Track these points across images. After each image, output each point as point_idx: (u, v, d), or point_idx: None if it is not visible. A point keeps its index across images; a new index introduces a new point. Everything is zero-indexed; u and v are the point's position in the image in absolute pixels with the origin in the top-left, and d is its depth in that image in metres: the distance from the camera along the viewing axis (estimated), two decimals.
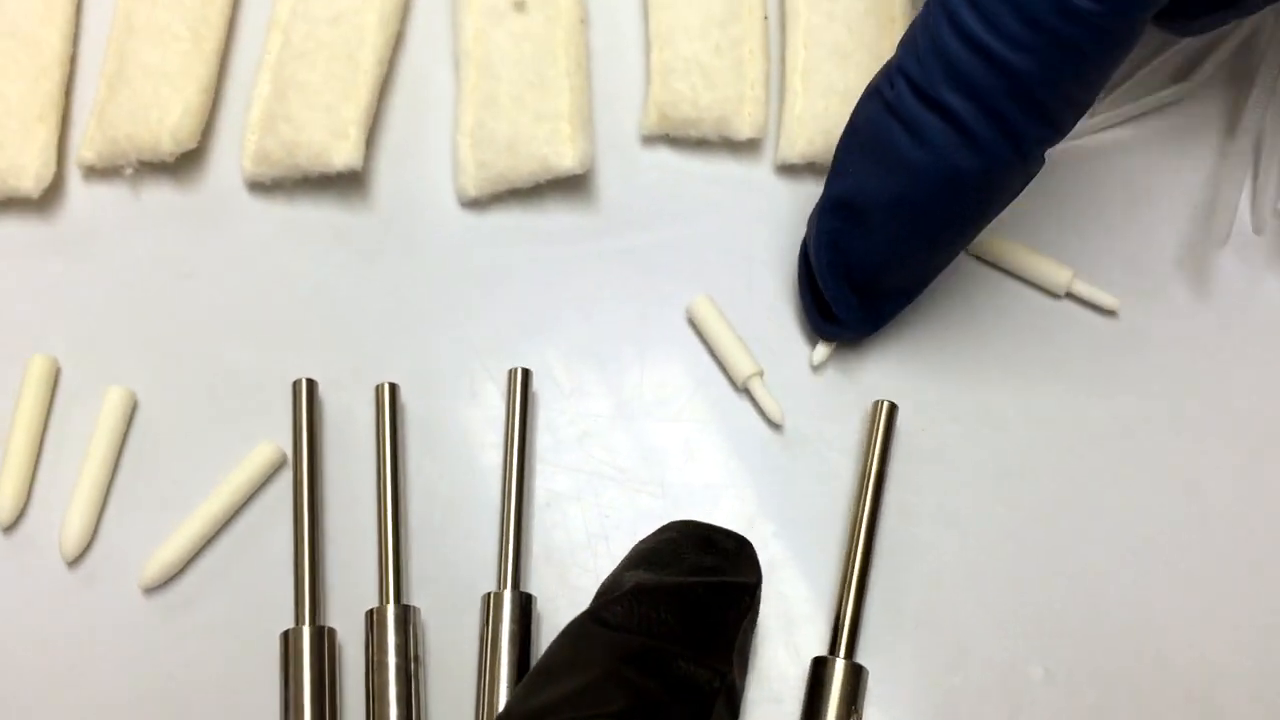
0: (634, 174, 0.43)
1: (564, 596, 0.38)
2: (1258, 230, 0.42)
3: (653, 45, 0.44)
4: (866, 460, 0.38)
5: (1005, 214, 0.41)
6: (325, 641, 0.36)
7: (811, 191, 0.38)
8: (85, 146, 0.43)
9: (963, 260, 0.41)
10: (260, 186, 0.43)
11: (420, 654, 0.36)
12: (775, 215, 0.43)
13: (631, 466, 0.39)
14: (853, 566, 0.37)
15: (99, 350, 0.41)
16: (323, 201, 0.43)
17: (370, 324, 0.41)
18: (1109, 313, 0.41)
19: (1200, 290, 0.41)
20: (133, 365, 0.40)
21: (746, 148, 0.44)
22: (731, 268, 0.42)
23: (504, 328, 0.41)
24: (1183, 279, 0.42)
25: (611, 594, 0.32)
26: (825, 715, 0.35)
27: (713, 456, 0.39)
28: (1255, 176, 0.42)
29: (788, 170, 0.43)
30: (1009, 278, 0.41)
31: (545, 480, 0.39)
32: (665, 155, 0.44)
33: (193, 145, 0.42)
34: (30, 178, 0.42)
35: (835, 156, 0.37)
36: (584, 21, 0.44)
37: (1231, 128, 0.43)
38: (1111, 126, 0.43)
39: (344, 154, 0.41)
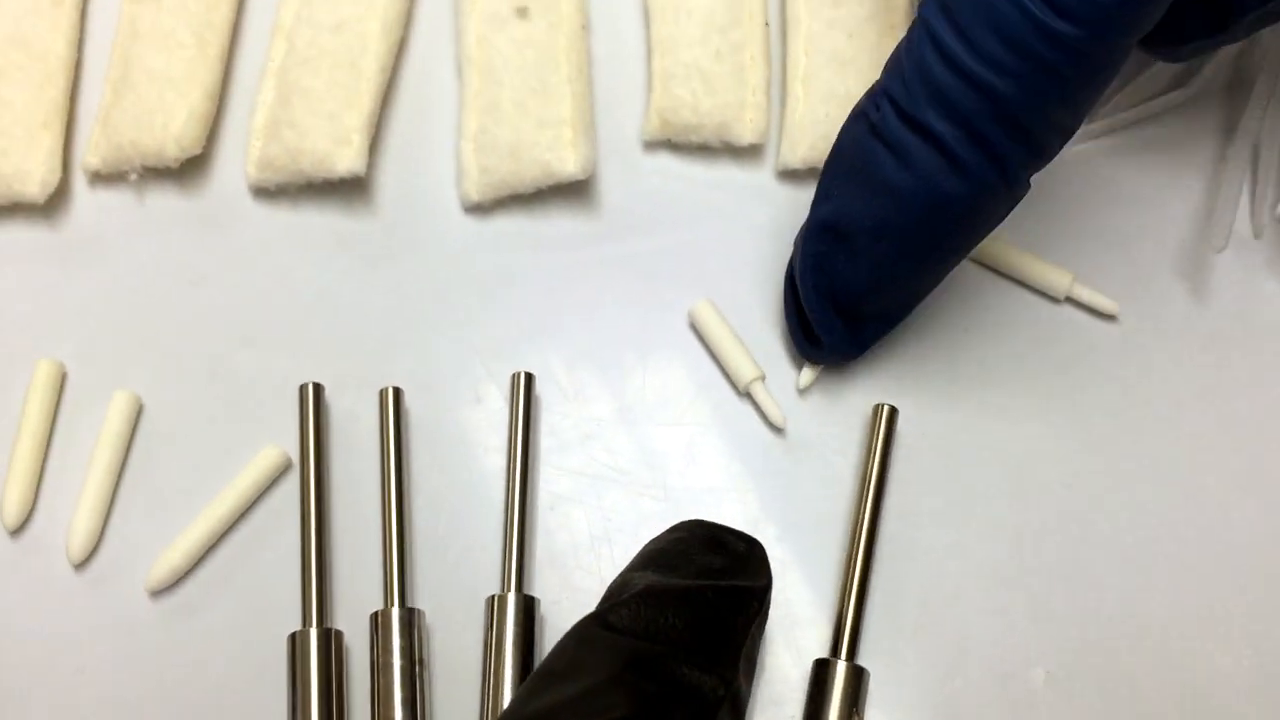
0: (636, 179, 0.44)
1: (567, 599, 0.38)
2: (1256, 234, 0.42)
3: (654, 51, 0.44)
4: (868, 464, 0.38)
5: (1007, 219, 0.41)
6: (332, 644, 0.36)
7: (812, 197, 0.38)
8: (90, 152, 0.43)
9: (963, 265, 0.41)
10: (265, 192, 0.43)
11: (425, 656, 0.36)
12: (777, 220, 0.43)
13: (634, 470, 0.40)
14: (854, 569, 0.37)
15: (105, 355, 0.41)
16: (327, 207, 0.43)
17: (374, 328, 0.41)
18: (1109, 317, 0.41)
19: (1199, 294, 0.42)
20: (138, 369, 0.41)
21: (748, 153, 0.44)
22: (733, 272, 0.42)
23: (507, 332, 0.41)
24: (1182, 283, 0.42)
25: (619, 596, 0.31)
26: (827, 717, 0.35)
27: (715, 460, 0.40)
28: (1253, 181, 0.42)
29: (789, 175, 0.43)
30: (1009, 282, 0.42)
31: (548, 483, 0.39)
32: (667, 161, 0.44)
33: (197, 151, 0.42)
34: (36, 184, 0.42)
35: (821, 179, 0.37)
36: (585, 28, 0.45)
37: (1230, 133, 0.43)
38: (1111, 132, 0.43)
39: (348, 160, 0.41)
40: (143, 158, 0.42)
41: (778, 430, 0.40)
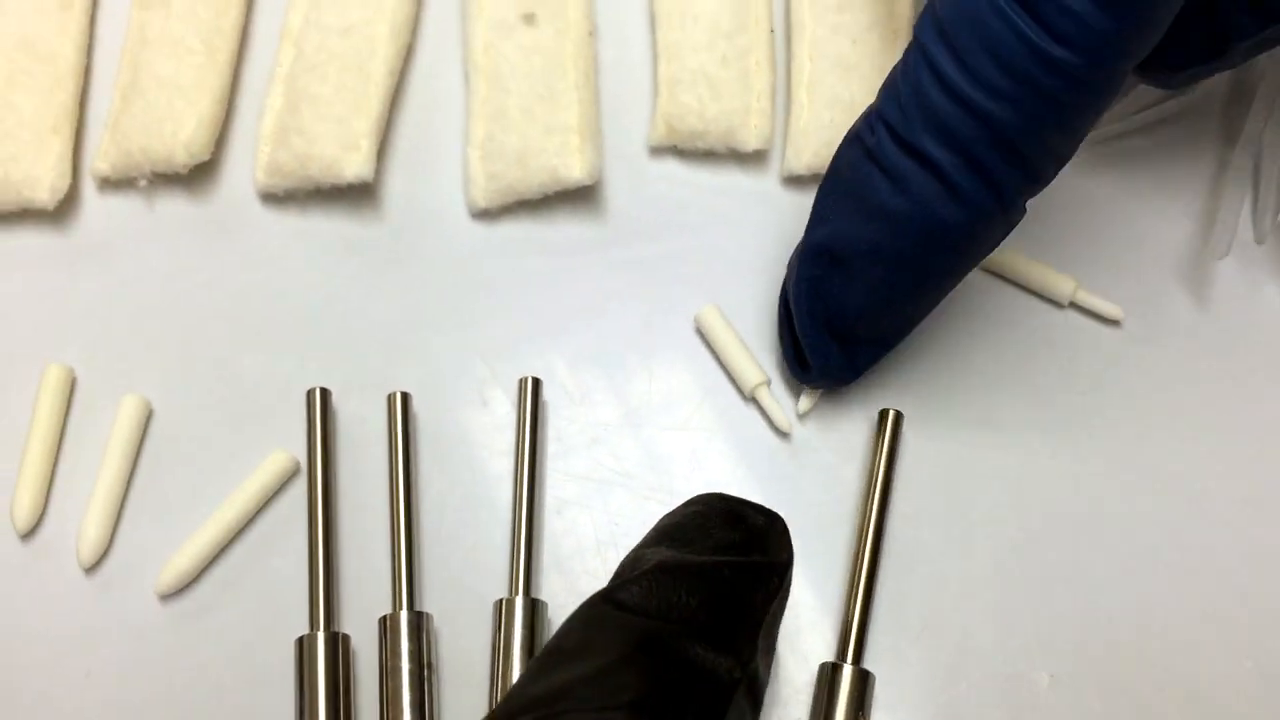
0: (642, 185, 0.44)
1: (573, 603, 0.38)
2: (1259, 240, 0.42)
3: (660, 58, 0.44)
4: (873, 468, 0.38)
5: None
6: (340, 647, 0.36)
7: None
8: (99, 158, 0.43)
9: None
10: (273, 197, 0.43)
11: (433, 660, 0.37)
12: (781, 226, 0.43)
13: (640, 474, 0.40)
14: (860, 573, 0.37)
15: (114, 359, 0.41)
16: (335, 212, 0.43)
17: (382, 333, 0.42)
18: (1113, 322, 0.41)
19: (1202, 299, 0.42)
20: (147, 374, 0.41)
21: (753, 159, 0.44)
22: (738, 278, 0.42)
23: (514, 336, 0.42)
24: (1185, 288, 0.42)
25: (630, 573, 0.30)
26: None
27: (720, 464, 0.40)
28: (1256, 187, 0.42)
29: (794, 181, 0.44)
30: (1014, 288, 0.42)
31: (554, 487, 0.40)
32: (673, 167, 0.44)
33: (206, 157, 0.43)
34: (45, 189, 0.42)
35: (815, 202, 0.37)
36: (592, 34, 0.45)
37: (1232, 139, 0.43)
38: (1114, 139, 0.44)
39: (355, 166, 0.42)
40: (152, 163, 0.42)
41: (783, 435, 0.40)
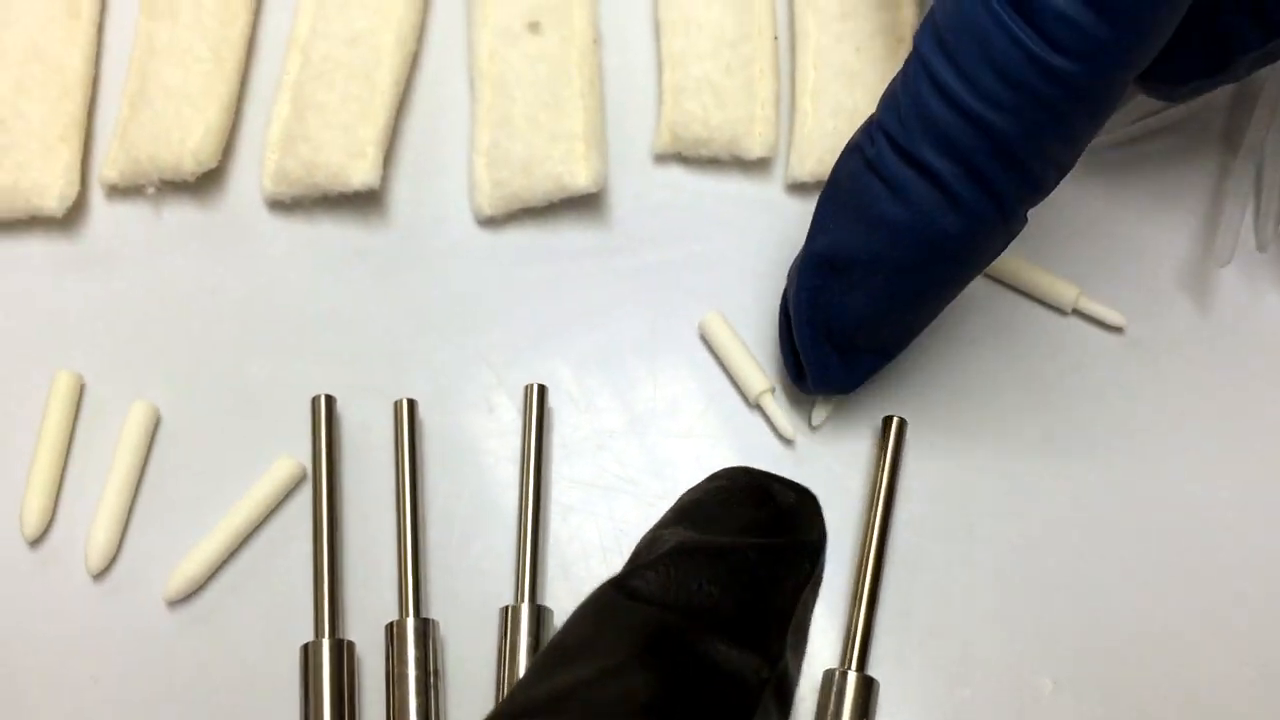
0: (646, 192, 0.44)
1: None
2: (1261, 248, 0.42)
3: (664, 66, 0.45)
4: (877, 475, 0.39)
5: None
6: (345, 654, 0.36)
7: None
8: (108, 166, 0.43)
9: None
10: (280, 205, 0.44)
11: (440, 666, 0.37)
12: (786, 233, 0.43)
13: (644, 480, 0.40)
14: (864, 580, 0.37)
15: (123, 366, 0.41)
16: (341, 219, 0.44)
17: (388, 340, 0.42)
18: (1115, 329, 0.41)
19: (1205, 306, 0.42)
20: (155, 381, 0.41)
21: (757, 166, 0.44)
22: (743, 285, 0.42)
23: (519, 343, 0.42)
24: (1188, 296, 0.42)
25: (645, 556, 0.27)
26: None
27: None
28: (1258, 195, 0.42)
29: (798, 189, 0.44)
30: (1017, 295, 0.42)
31: (560, 494, 0.40)
32: (677, 174, 0.44)
33: (214, 165, 0.43)
34: (54, 197, 0.42)
35: (816, 213, 0.37)
36: (597, 42, 0.45)
37: (1234, 147, 0.43)
38: (1116, 146, 0.44)
39: (362, 173, 0.42)
40: (160, 171, 0.43)
41: (788, 442, 0.40)
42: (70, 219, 0.43)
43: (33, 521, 0.39)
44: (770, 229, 0.43)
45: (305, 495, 0.40)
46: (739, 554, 0.27)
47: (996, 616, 0.38)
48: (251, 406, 0.41)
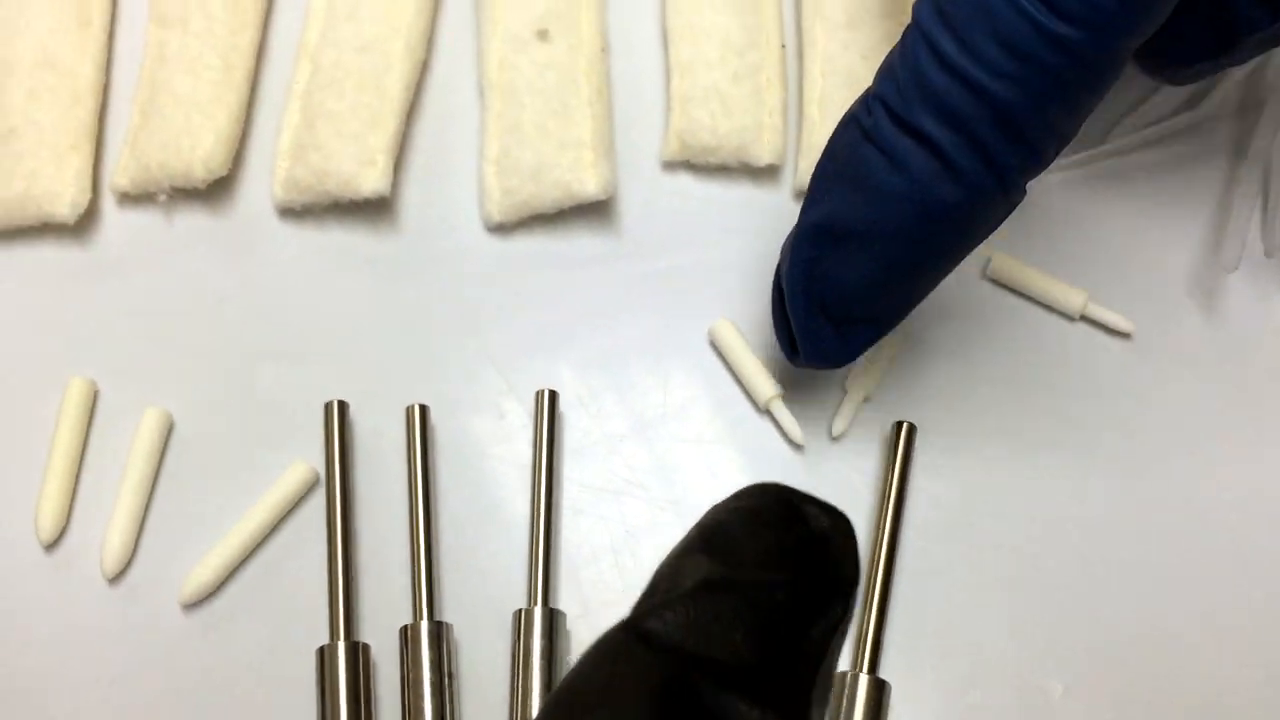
0: (655, 199, 0.44)
1: (589, 613, 0.38)
2: (1268, 254, 0.42)
3: (672, 74, 0.45)
4: (887, 479, 0.39)
5: (1020, 239, 0.42)
6: (360, 657, 0.36)
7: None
8: (119, 173, 0.44)
9: (979, 284, 0.42)
10: (290, 212, 0.44)
11: (454, 669, 0.37)
12: None
13: (654, 485, 0.40)
14: (874, 583, 0.37)
15: (135, 372, 0.41)
16: (352, 226, 0.44)
17: (398, 346, 0.42)
18: (1123, 335, 0.42)
19: (1212, 312, 0.42)
20: (168, 387, 0.41)
21: (765, 173, 0.44)
22: (751, 291, 0.43)
23: (529, 349, 0.42)
24: (1195, 302, 0.42)
25: (666, 592, 0.25)
26: None
27: (735, 476, 0.40)
28: (1265, 201, 0.43)
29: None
30: (1025, 301, 0.42)
31: (570, 498, 0.40)
32: (685, 181, 0.45)
33: (224, 172, 0.43)
34: (66, 204, 0.42)
35: (810, 185, 0.36)
36: (605, 51, 0.45)
37: (1241, 153, 0.44)
38: (1124, 153, 0.44)
39: (373, 181, 0.42)
40: (171, 179, 0.43)
41: (797, 447, 0.40)
42: (82, 226, 0.43)
43: (48, 526, 0.39)
44: (778, 236, 0.43)
45: (317, 500, 0.40)
46: (765, 594, 0.24)
47: (1006, 620, 0.38)
48: (263, 411, 0.41)
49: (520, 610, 0.37)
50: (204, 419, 0.41)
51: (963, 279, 0.42)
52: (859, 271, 0.35)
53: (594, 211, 0.44)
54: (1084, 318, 0.42)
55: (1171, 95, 0.44)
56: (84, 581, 0.39)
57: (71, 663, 0.38)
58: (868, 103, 0.34)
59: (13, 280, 0.43)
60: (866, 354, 0.40)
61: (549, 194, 0.42)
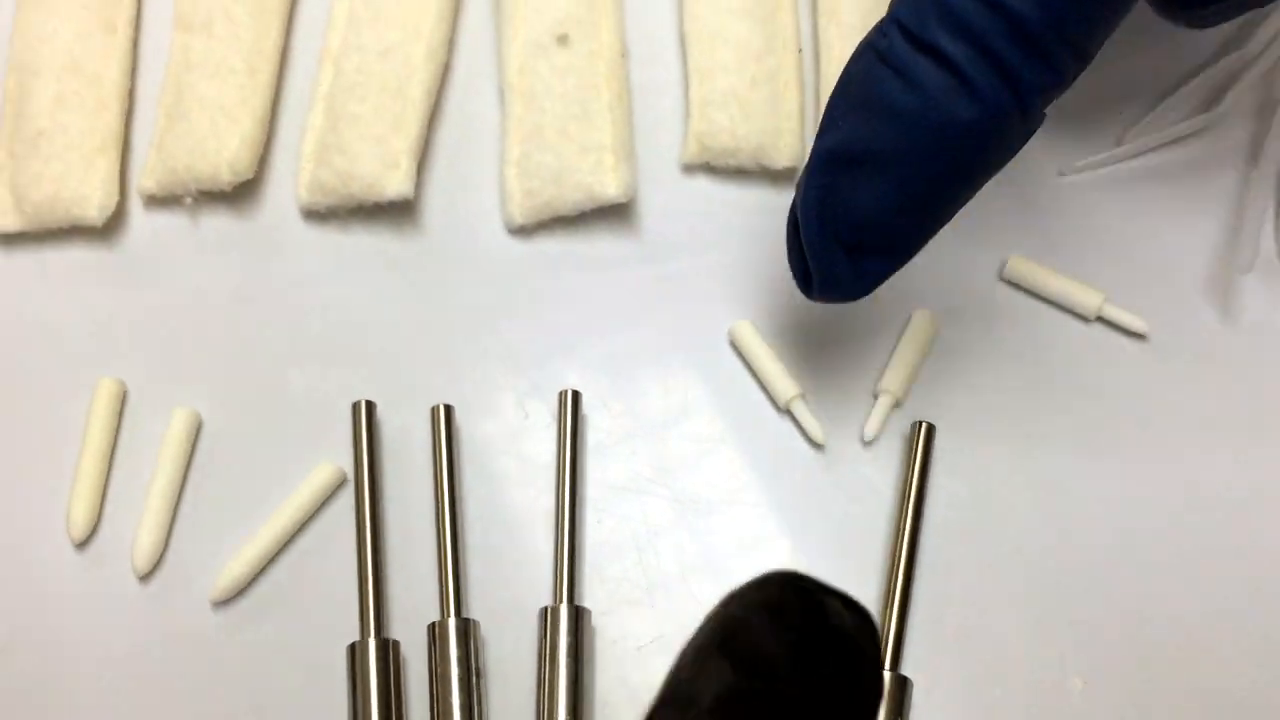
0: (674, 202, 0.45)
1: (613, 610, 0.39)
2: None
3: (691, 78, 0.45)
4: (907, 478, 0.39)
5: (1037, 240, 0.43)
6: (390, 653, 0.37)
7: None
8: (146, 176, 0.44)
9: (996, 286, 0.43)
10: (315, 214, 0.44)
11: (481, 666, 0.37)
12: None
13: (676, 485, 0.41)
14: (895, 581, 0.38)
15: (163, 372, 0.42)
16: (375, 229, 0.44)
17: (422, 346, 0.42)
18: (1138, 335, 0.42)
19: (1227, 313, 0.43)
20: (196, 387, 0.42)
21: (784, 176, 0.45)
22: (770, 292, 0.43)
23: (551, 349, 0.42)
24: (1210, 303, 0.43)
25: (685, 707, 0.23)
26: None
27: (756, 475, 0.41)
28: (1278, 204, 0.43)
29: None
30: (1041, 302, 0.43)
31: (593, 497, 0.40)
32: (704, 184, 0.45)
33: (249, 175, 0.43)
34: (94, 207, 0.43)
35: (825, 114, 0.35)
36: (624, 55, 0.46)
37: (1254, 156, 0.44)
38: (1138, 155, 0.44)
39: (396, 183, 0.42)
40: (197, 182, 0.43)
41: (818, 447, 0.41)
42: (110, 228, 0.44)
43: (79, 524, 0.39)
44: None
45: (344, 499, 0.40)
46: (790, 709, 0.23)
47: (1026, 617, 0.39)
48: (289, 411, 0.41)
49: (546, 607, 0.37)
50: (231, 419, 0.41)
51: (979, 281, 0.43)
52: (874, 197, 0.34)
53: (614, 214, 0.44)
54: (1100, 319, 0.42)
55: (1186, 98, 0.44)
56: (115, 579, 0.39)
57: (103, 659, 0.38)
58: (883, 28, 0.33)
59: (42, 282, 0.43)
60: (899, 355, 0.41)
61: (570, 196, 0.43)
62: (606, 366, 0.42)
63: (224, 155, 0.43)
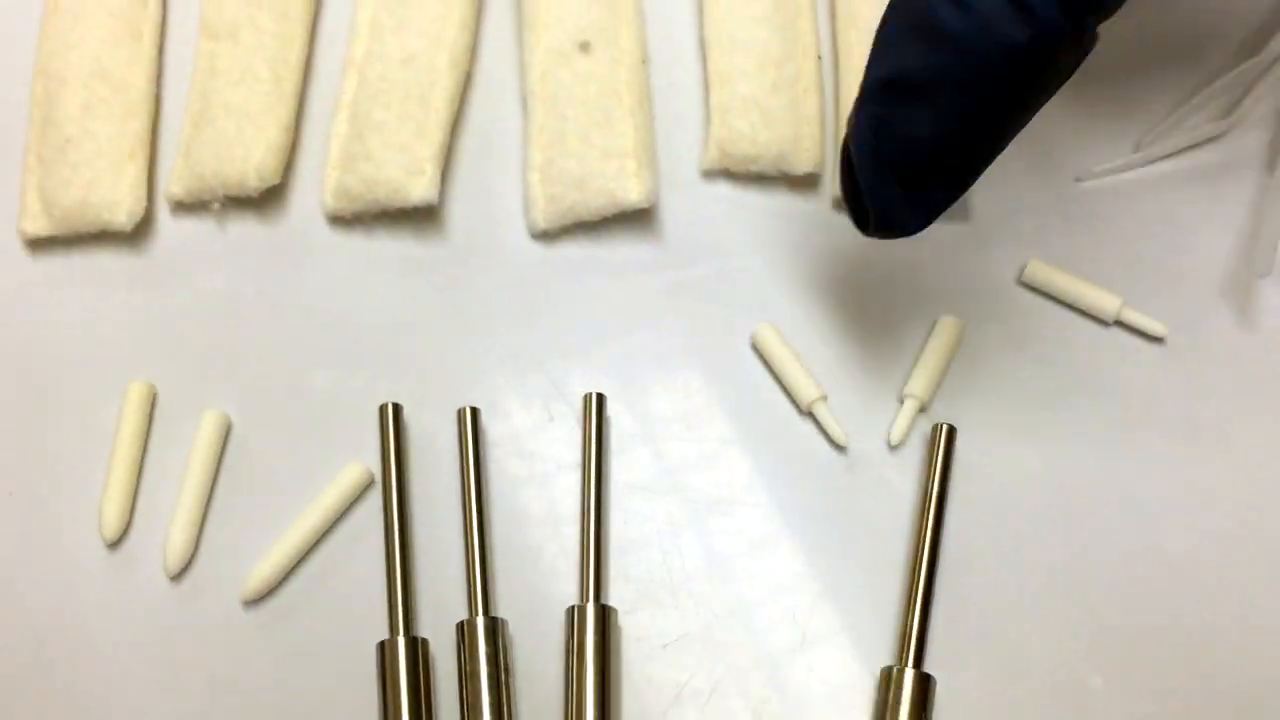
0: (696, 207, 0.45)
1: (638, 609, 0.39)
2: None
3: (712, 85, 0.46)
4: (928, 480, 0.40)
5: (1057, 246, 0.43)
6: (420, 651, 0.37)
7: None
8: (173, 182, 0.45)
9: (1015, 290, 0.43)
10: (340, 220, 0.45)
11: (510, 664, 0.38)
12: (833, 247, 0.44)
13: (699, 486, 0.41)
14: (918, 581, 0.38)
15: (192, 375, 0.42)
16: (400, 234, 0.45)
17: (447, 350, 0.43)
18: (1157, 339, 0.42)
19: (1244, 317, 0.43)
20: (225, 390, 0.42)
21: (804, 182, 0.45)
22: (792, 297, 0.43)
23: (574, 352, 0.43)
24: (1227, 307, 0.43)
25: None
26: None
27: (778, 476, 0.41)
28: None
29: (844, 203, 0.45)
30: (1061, 306, 0.43)
31: (617, 498, 0.41)
32: (726, 189, 0.45)
33: (276, 181, 0.44)
34: (123, 213, 0.43)
35: (874, 43, 0.34)
36: (645, 62, 0.46)
37: (1271, 162, 0.45)
38: (1158, 160, 0.45)
39: (421, 189, 0.43)
40: (224, 188, 0.44)
41: (840, 449, 0.41)
42: (138, 234, 0.44)
43: (111, 524, 0.40)
44: (817, 243, 0.44)
45: (372, 500, 0.41)
46: None
47: (1046, 616, 0.39)
48: (317, 414, 0.42)
49: (573, 606, 0.38)
50: (260, 421, 0.42)
51: (998, 285, 0.43)
52: (927, 126, 0.34)
53: (636, 219, 0.45)
54: (1119, 322, 0.43)
55: (1204, 105, 0.45)
56: (147, 579, 0.40)
57: (134, 658, 0.39)
58: None
59: (72, 287, 0.44)
60: (925, 361, 0.41)
61: (593, 202, 0.43)
62: (629, 369, 0.43)
63: (250, 162, 0.44)
